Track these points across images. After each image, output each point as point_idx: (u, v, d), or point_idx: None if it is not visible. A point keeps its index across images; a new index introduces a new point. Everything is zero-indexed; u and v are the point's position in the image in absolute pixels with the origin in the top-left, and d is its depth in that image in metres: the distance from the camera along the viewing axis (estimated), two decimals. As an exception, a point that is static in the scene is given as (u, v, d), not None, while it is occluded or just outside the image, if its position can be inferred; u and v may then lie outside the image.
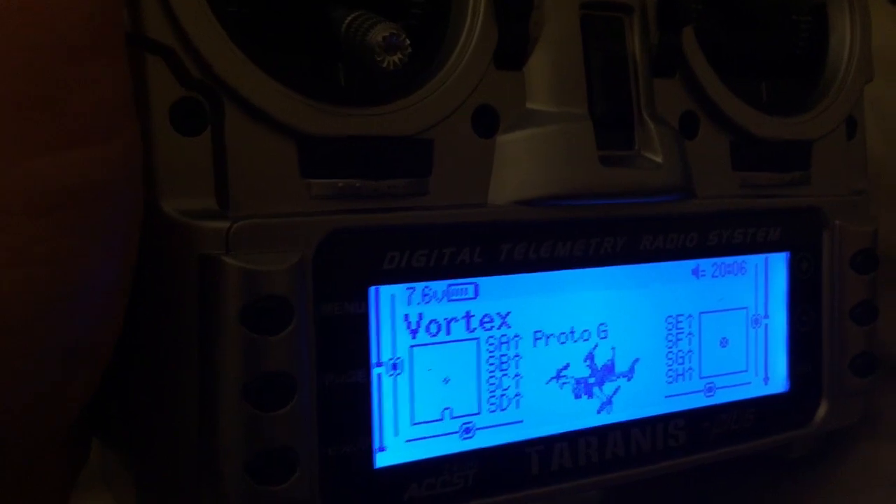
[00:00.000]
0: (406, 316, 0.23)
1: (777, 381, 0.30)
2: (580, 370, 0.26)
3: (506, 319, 0.25)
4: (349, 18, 0.21)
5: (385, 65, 0.20)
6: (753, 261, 0.29)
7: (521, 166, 0.24)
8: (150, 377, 0.21)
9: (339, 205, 0.22)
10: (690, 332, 0.28)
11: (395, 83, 0.22)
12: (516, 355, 0.25)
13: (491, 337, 0.25)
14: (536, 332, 0.25)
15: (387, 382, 0.23)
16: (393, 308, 0.23)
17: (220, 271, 0.20)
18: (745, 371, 0.30)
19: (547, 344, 0.26)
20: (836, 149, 0.31)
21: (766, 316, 0.30)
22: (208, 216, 0.20)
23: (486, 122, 0.24)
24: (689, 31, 0.27)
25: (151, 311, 0.21)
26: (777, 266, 0.30)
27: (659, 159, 0.26)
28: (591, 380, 0.27)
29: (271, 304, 0.20)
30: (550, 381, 0.26)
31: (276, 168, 0.21)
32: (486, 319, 0.25)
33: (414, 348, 0.24)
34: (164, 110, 0.20)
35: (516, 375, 0.25)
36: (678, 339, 0.28)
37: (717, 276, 0.29)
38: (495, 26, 0.24)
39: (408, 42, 0.21)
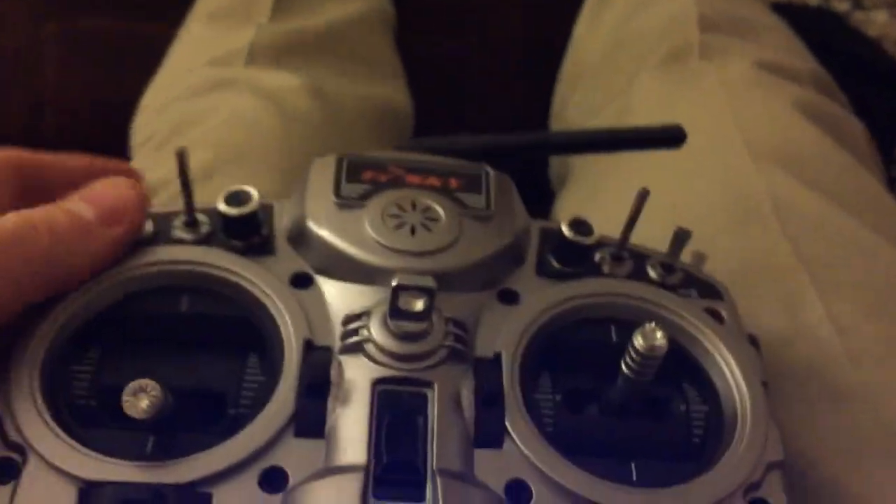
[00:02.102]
0: None
1: None
2: None
3: None
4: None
5: (131, 410, 0.25)
6: None
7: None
8: None
9: None
10: None
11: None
12: None
13: None
14: None
15: None
16: None
17: None
18: None
19: None
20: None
21: None
22: None
23: (274, 481, 0.26)
24: (515, 409, 0.28)
25: None
26: None
27: None
28: None
29: None
30: None
31: None
32: None
33: None
34: None
35: None
36: None
37: None
38: (295, 401, 0.28)
39: (153, 396, 0.25)
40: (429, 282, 0.28)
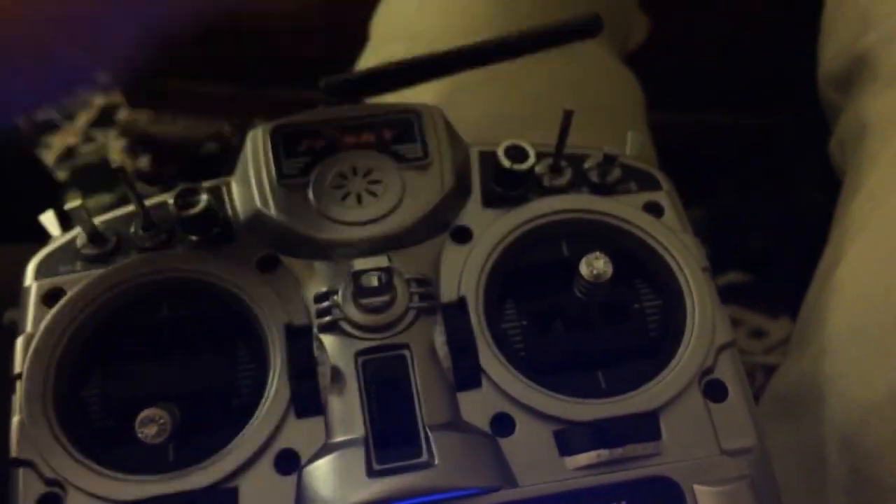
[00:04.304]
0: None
1: None
2: None
3: None
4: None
5: (144, 438, 0.28)
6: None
7: (312, 492, 0.29)
8: None
9: None
10: None
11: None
12: None
13: None
14: None
15: None
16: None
17: None
18: None
19: None
20: (689, 414, 0.31)
21: None
22: None
23: (288, 463, 0.30)
24: (487, 349, 0.31)
25: None
26: None
27: (436, 464, 0.29)
28: None
29: None
30: None
31: None
32: None
33: None
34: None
35: None
36: None
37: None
38: (289, 386, 0.31)
39: (161, 423, 0.28)
40: (383, 261, 0.30)
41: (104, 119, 1.46)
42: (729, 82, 1.13)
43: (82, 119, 1.47)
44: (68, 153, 1.43)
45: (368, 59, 0.57)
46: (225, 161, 0.35)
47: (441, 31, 0.54)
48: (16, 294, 0.34)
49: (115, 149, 1.44)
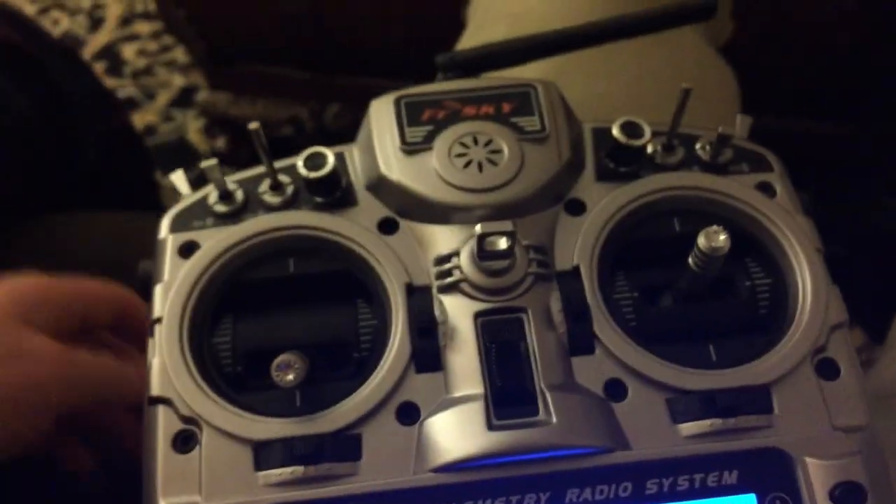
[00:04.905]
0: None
1: None
2: None
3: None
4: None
5: (280, 381, 0.29)
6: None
7: (433, 442, 0.30)
8: None
9: (285, 490, 0.30)
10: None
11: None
12: None
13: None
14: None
15: None
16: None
17: None
18: None
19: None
20: (802, 390, 0.31)
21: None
22: None
23: (409, 415, 0.31)
24: (601, 316, 0.32)
25: None
26: None
27: (553, 422, 0.30)
28: None
29: None
30: None
31: (238, 467, 0.30)
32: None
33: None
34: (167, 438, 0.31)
35: None
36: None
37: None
38: (410, 342, 0.32)
39: (297, 368, 0.29)
40: (508, 226, 0.31)
41: (184, 99, 1.50)
42: (809, 88, 1.11)
43: (163, 98, 1.51)
44: (148, 131, 1.47)
45: (469, 42, 0.58)
46: (300, 145, 0.37)
47: (543, 12, 0.55)
48: (120, 261, 0.36)
49: (193, 129, 1.48)
